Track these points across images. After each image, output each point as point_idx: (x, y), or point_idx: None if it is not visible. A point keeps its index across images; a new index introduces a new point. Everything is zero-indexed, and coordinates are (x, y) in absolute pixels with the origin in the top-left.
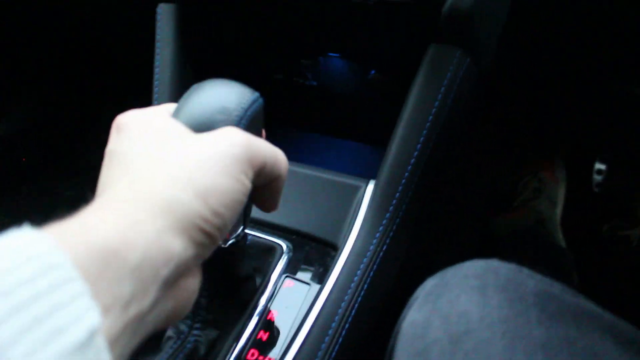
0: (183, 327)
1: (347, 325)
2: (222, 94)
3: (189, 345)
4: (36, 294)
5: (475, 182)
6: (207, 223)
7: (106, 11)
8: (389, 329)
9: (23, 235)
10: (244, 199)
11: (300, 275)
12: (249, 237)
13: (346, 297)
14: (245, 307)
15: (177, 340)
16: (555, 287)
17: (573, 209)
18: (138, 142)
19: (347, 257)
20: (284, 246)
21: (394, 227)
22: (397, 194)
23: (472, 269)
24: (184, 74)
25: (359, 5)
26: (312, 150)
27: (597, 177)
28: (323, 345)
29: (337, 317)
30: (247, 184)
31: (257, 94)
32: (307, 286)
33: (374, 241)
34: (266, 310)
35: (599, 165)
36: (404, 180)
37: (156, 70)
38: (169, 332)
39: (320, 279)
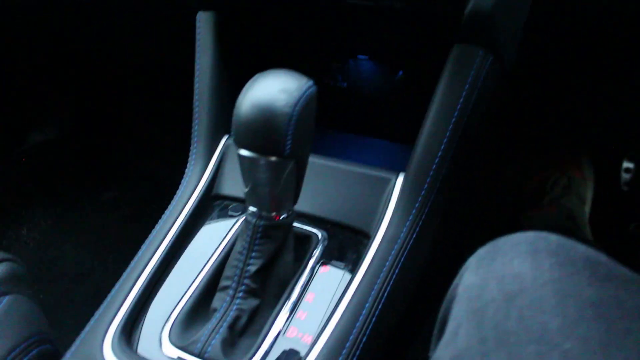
0: (226, 297)
1: (380, 307)
2: (284, 78)
3: (231, 314)
4: None
5: (503, 178)
6: None
7: (148, 22)
8: (421, 310)
9: None
10: None
11: (335, 261)
12: None
13: (378, 281)
14: (285, 286)
15: (220, 309)
16: (603, 256)
17: (601, 207)
18: None
19: (379, 244)
20: (320, 235)
21: (423, 216)
22: (425, 185)
23: (522, 237)
24: (222, 79)
25: (386, 8)
26: (345, 148)
27: (625, 176)
28: (357, 324)
29: (370, 299)
30: None
31: (312, 81)
32: (341, 271)
33: (404, 229)
34: (305, 293)
35: (627, 164)
36: (431, 172)
37: (196, 74)
38: (214, 304)
39: (354, 264)
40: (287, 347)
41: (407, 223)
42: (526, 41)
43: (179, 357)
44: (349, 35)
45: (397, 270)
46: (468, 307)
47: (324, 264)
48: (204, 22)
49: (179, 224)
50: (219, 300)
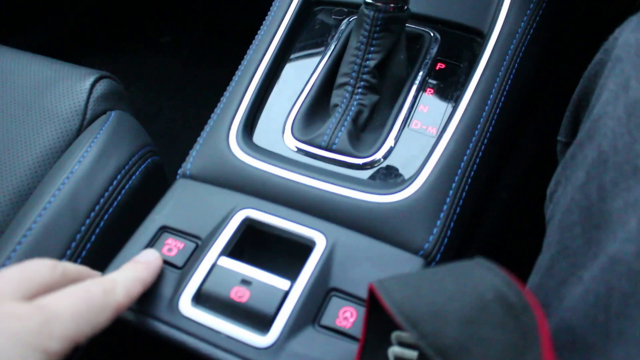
0: (345, 93)
1: (502, 99)
2: None
3: (353, 109)
4: None
5: None
6: None
7: None
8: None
9: None
10: None
11: (450, 58)
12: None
13: (500, 73)
14: (402, 84)
15: (341, 105)
16: None
17: None
18: None
19: (497, 40)
20: (432, 34)
21: (540, 11)
22: None
23: None
24: None
25: None
26: None
27: None
28: (484, 114)
29: (493, 90)
30: None
31: None
32: (459, 67)
33: (522, 24)
34: (424, 88)
35: None
36: None
37: None
38: (334, 100)
39: (471, 61)
40: (412, 138)
41: (525, 18)
42: None
43: (296, 147)
44: None
45: (516, 65)
46: (637, 61)
47: (439, 61)
48: None
49: (283, 29)
50: (338, 97)
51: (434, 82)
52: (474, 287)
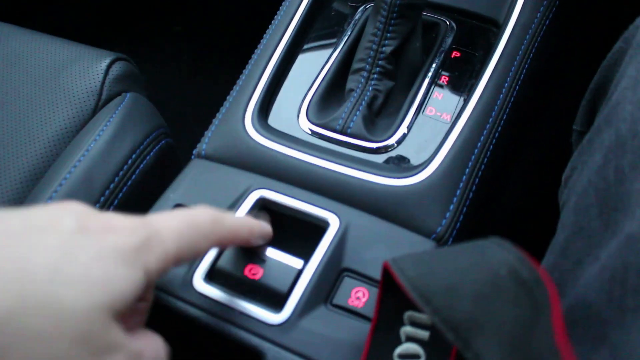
0: (361, 78)
1: (517, 87)
2: None
3: (368, 94)
4: None
5: None
6: None
7: None
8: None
9: None
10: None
11: (466, 47)
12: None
13: (515, 63)
14: (417, 72)
15: (357, 90)
16: None
17: None
18: None
19: (512, 30)
20: (448, 22)
21: (557, 1)
22: None
23: None
24: None
25: None
26: None
27: None
28: (498, 102)
29: (508, 79)
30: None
31: None
32: (474, 55)
33: (538, 15)
34: (438, 75)
35: None
36: None
37: None
38: (350, 85)
39: (486, 50)
40: (426, 124)
41: (542, 8)
42: None
43: (310, 130)
44: None
45: (532, 55)
46: None
47: (454, 49)
48: None
49: (299, 16)
50: (354, 82)
51: (449, 70)
52: (488, 264)
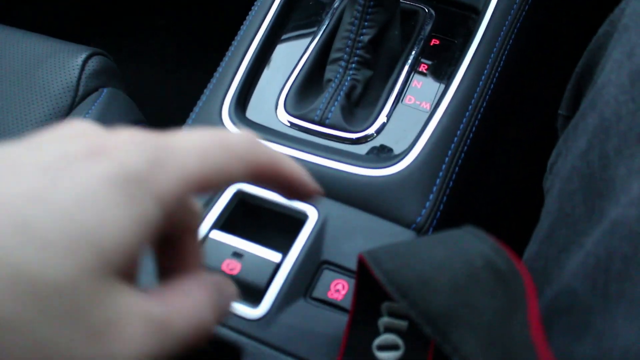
0: (339, 69)
1: (497, 74)
2: None
3: (347, 84)
4: None
5: None
6: None
7: None
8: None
9: None
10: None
11: (445, 35)
12: None
13: (494, 49)
14: (396, 61)
15: (335, 80)
16: None
17: None
18: None
19: (491, 16)
20: (427, 10)
21: None
22: None
23: None
24: None
25: None
26: None
27: None
28: (477, 89)
29: (487, 66)
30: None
31: None
32: (453, 43)
33: (517, 1)
34: (417, 64)
35: None
36: None
37: None
38: (328, 75)
39: (466, 37)
40: (405, 113)
41: None
42: None
43: (289, 122)
44: None
45: (511, 41)
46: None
47: (433, 37)
48: None
49: (276, 6)
50: (332, 72)
51: (428, 58)
52: (463, 255)
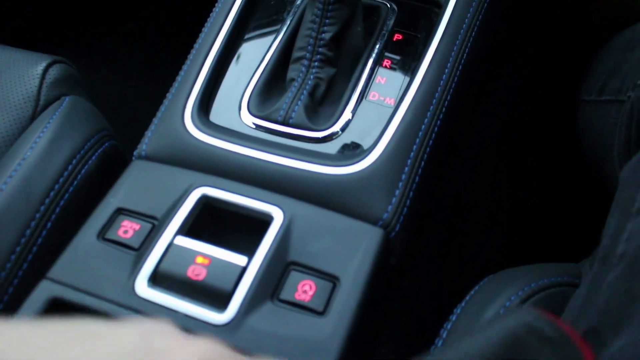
0: (302, 67)
1: (460, 67)
2: None
3: (310, 83)
4: None
5: None
6: None
7: None
8: None
9: None
10: None
11: (408, 29)
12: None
13: (457, 42)
14: (359, 57)
15: (298, 79)
16: None
17: None
18: None
19: (454, 8)
20: (389, 5)
21: None
22: None
23: None
24: None
25: None
26: None
27: None
28: (441, 82)
29: (450, 59)
30: None
31: None
32: (416, 38)
33: None
34: (381, 60)
35: None
36: None
37: None
38: (291, 75)
39: (428, 31)
40: (370, 110)
41: None
42: None
43: (254, 124)
44: None
45: (474, 34)
46: None
47: (396, 32)
48: None
49: (237, 6)
50: (295, 71)
51: (391, 53)
52: (503, 326)
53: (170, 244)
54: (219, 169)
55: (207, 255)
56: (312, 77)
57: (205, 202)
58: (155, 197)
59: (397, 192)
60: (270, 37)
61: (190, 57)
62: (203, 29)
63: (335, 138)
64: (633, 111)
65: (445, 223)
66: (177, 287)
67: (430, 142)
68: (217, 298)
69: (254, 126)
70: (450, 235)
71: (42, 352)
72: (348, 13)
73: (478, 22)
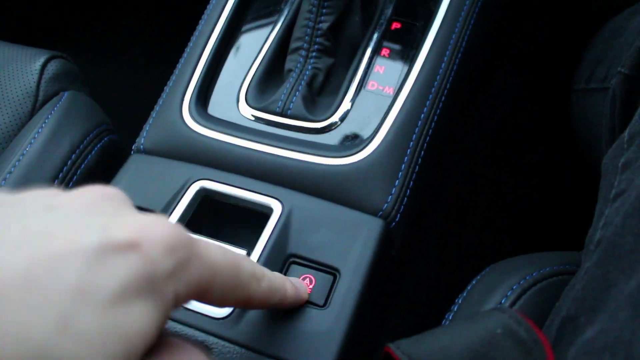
0: (300, 58)
1: (459, 55)
2: None
3: (308, 73)
4: None
5: None
6: None
7: None
8: None
9: None
10: None
11: (407, 18)
12: None
13: (456, 30)
14: (357, 47)
15: (295, 70)
16: None
17: None
18: None
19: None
20: None
21: None
22: None
23: None
24: None
25: None
26: None
27: None
28: (440, 71)
29: (449, 47)
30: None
31: None
32: (415, 26)
33: None
34: (379, 48)
35: None
36: None
37: None
38: (288, 65)
39: (427, 19)
40: (369, 99)
41: None
42: None
43: (253, 116)
44: None
45: (472, 22)
46: None
47: (394, 21)
48: None
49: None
50: (292, 62)
51: (389, 42)
52: (483, 324)
53: None
54: (218, 162)
55: None
56: (310, 67)
57: (204, 195)
58: (154, 190)
59: (397, 182)
60: (268, 28)
61: (187, 49)
62: (200, 21)
63: (334, 128)
64: (615, 99)
65: (445, 214)
66: None
67: (430, 131)
68: None
69: (252, 118)
70: (451, 227)
71: None
72: (345, 2)
73: (477, 10)
